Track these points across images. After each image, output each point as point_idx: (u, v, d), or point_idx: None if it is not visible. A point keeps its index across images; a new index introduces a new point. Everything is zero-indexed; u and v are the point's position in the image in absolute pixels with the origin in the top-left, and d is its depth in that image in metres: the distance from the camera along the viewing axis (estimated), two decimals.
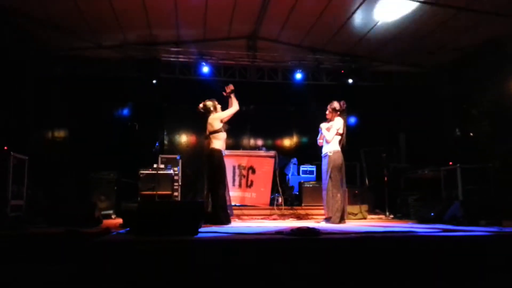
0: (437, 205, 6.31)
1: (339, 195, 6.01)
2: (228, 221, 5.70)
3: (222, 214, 5.70)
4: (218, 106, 6.09)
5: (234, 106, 6.04)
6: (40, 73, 8.60)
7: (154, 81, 9.18)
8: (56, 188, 7.63)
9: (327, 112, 6.33)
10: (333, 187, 6.02)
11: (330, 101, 6.33)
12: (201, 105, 6.08)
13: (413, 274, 3.21)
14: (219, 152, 5.91)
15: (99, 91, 9.25)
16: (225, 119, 6.03)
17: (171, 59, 9.23)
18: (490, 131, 7.91)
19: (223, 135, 5.96)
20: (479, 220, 5.22)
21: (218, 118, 5.96)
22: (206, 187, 6.03)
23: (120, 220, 5.53)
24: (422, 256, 3.35)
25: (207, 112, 6.03)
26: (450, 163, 7.43)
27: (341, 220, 5.95)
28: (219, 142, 5.92)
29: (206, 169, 5.99)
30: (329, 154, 6.11)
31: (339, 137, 6.18)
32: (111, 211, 7.41)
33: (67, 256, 3.17)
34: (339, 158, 6.10)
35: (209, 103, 6.04)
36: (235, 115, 6.12)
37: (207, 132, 5.99)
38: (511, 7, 6.67)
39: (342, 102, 6.27)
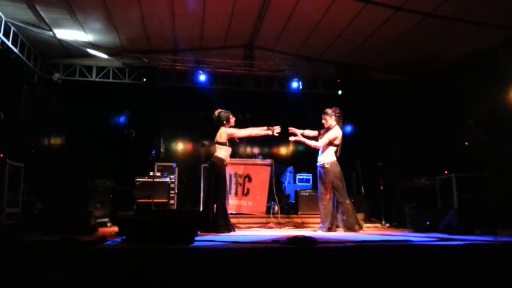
0: (433, 214, 6.30)
1: (347, 201, 6.02)
2: (225, 230, 5.69)
3: (220, 223, 5.71)
4: (232, 120, 6.16)
5: (252, 131, 6.19)
6: (38, 80, 8.62)
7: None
8: (52, 196, 7.60)
9: (323, 121, 6.33)
10: (341, 196, 6.03)
11: (325, 110, 6.32)
12: (216, 113, 6.16)
13: (409, 283, 3.22)
14: (221, 161, 5.95)
15: (96, 99, 9.27)
16: (235, 137, 6.10)
17: (168, 67, 9.26)
18: (485, 140, 7.94)
19: (227, 148, 6.04)
20: (474, 229, 5.24)
21: (228, 133, 6.03)
22: (205, 195, 6.03)
23: (115, 229, 5.51)
24: (418, 265, 3.36)
25: (219, 123, 6.10)
26: (446, 172, 7.45)
27: (359, 227, 5.93)
28: (223, 152, 6.01)
29: (206, 177, 6.02)
30: (326, 166, 6.07)
31: (334, 148, 6.16)
32: (106, 219, 7.40)
33: (62, 264, 3.16)
34: (337, 168, 6.09)
35: (223, 115, 6.10)
36: (237, 127, 6.17)
37: (215, 140, 6.09)
38: (505, 18, 6.75)
39: (334, 108, 6.27)
